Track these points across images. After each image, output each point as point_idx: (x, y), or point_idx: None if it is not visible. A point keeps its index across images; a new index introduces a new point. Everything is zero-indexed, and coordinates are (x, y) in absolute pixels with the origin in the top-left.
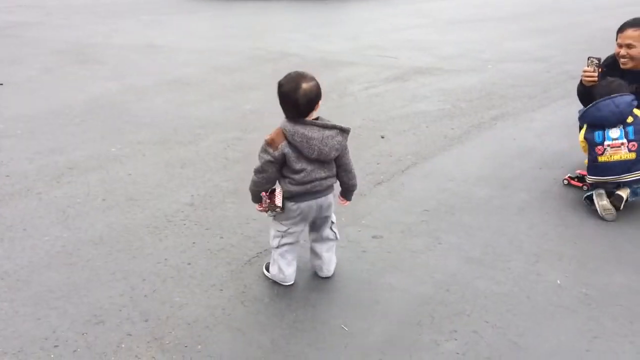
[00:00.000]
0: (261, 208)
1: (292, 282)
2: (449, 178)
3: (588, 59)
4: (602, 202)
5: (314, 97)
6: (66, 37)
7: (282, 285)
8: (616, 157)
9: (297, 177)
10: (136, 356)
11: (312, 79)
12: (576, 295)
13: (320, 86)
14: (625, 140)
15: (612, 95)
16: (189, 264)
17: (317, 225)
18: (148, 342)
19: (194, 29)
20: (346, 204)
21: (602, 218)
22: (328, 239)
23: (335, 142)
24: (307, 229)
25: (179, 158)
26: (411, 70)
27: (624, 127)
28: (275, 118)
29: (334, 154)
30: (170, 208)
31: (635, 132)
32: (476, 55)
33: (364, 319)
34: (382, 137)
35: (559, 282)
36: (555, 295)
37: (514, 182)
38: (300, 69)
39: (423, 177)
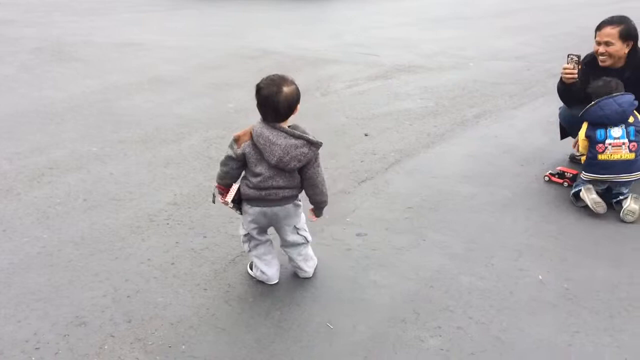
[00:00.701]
0: (222, 201)
1: (276, 281)
2: (432, 175)
3: (568, 56)
4: (592, 196)
5: (294, 102)
6: (45, 35)
7: (266, 284)
8: (616, 156)
9: (254, 180)
10: (119, 357)
11: (292, 82)
12: (558, 290)
13: (299, 89)
14: (626, 140)
15: (613, 95)
16: (173, 263)
17: (280, 231)
18: (131, 343)
19: (175, 27)
20: (315, 220)
21: (593, 211)
22: (296, 244)
23: (298, 153)
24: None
25: (161, 157)
26: (394, 68)
27: (625, 127)
28: (258, 116)
29: (294, 164)
30: (153, 207)
31: (637, 133)
32: (458, 53)
33: (349, 317)
34: (366, 135)
35: (541, 277)
36: (538, 291)
37: (496, 179)
38: (283, 67)
39: (407, 174)
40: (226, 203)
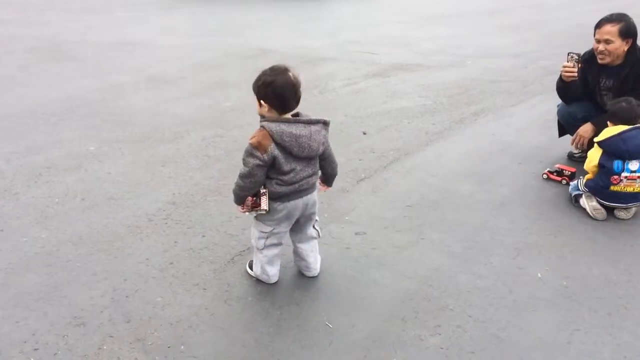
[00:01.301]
0: (243, 210)
1: (275, 281)
2: (430, 174)
3: (568, 55)
4: (591, 203)
5: (300, 89)
6: (41, 34)
7: (265, 283)
8: (629, 189)
9: (285, 177)
10: (118, 358)
11: (291, 69)
12: (556, 288)
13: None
14: None
15: (638, 125)
16: (171, 263)
17: (300, 224)
18: (130, 343)
19: (171, 26)
20: (327, 189)
21: (592, 218)
22: (312, 238)
23: (321, 137)
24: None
25: (159, 156)
26: (392, 66)
27: None
28: (256, 115)
29: (321, 148)
30: (152, 207)
31: None
32: (455, 51)
33: (348, 316)
34: (364, 134)
35: (539, 275)
36: (536, 289)
37: (495, 177)
38: (273, 65)
39: (405, 173)
40: (258, 211)
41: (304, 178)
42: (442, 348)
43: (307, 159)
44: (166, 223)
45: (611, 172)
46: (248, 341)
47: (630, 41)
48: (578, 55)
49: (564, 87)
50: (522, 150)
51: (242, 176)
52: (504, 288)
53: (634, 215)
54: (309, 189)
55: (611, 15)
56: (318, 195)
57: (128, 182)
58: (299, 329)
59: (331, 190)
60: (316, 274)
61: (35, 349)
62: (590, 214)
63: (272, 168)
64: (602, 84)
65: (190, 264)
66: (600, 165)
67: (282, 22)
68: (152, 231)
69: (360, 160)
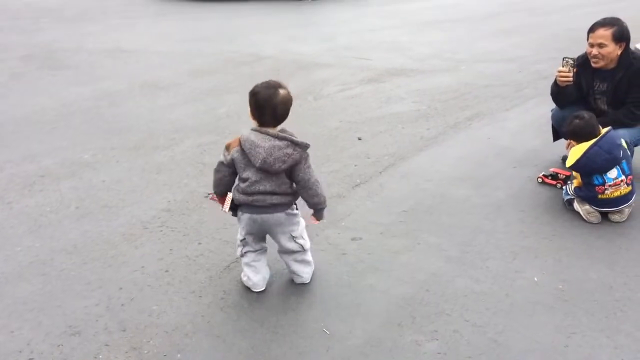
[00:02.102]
0: (222, 209)
1: (262, 289)
2: (426, 178)
3: (563, 59)
4: (585, 207)
5: (290, 105)
6: (35, 42)
7: (261, 290)
8: (616, 194)
9: (242, 185)
10: None
11: (286, 87)
12: (553, 291)
13: (291, 93)
14: (623, 177)
15: (597, 141)
16: (167, 271)
17: (275, 238)
18: (126, 352)
19: (165, 32)
20: (316, 223)
21: (586, 221)
22: (292, 251)
23: (282, 154)
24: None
25: (154, 163)
26: (386, 71)
27: (619, 165)
28: (250, 121)
29: (278, 165)
30: (147, 214)
31: (627, 163)
32: (449, 56)
33: (345, 322)
34: (359, 139)
35: (536, 279)
36: (533, 292)
37: (490, 181)
38: (275, 71)
39: (400, 177)
40: (224, 210)
41: (259, 193)
42: (439, 353)
43: (264, 172)
44: (161, 231)
45: (593, 184)
46: (245, 348)
47: (624, 45)
48: (573, 59)
49: (558, 92)
50: (517, 154)
51: (213, 171)
52: (501, 292)
53: (628, 218)
54: (267, 207)
55: (604, 19)
56: (291, 220)
57: (123, 189)
58: (295, 336)
59: (327, 196)
60: (306, 282)
61: (30, 359)
62: (585, 217)
63: (237, 173)
64: (596, 88)
65: (185, 272)
66: (583, 182)
67: (277, 27)
68: (147, 239)
69: (355, 165)
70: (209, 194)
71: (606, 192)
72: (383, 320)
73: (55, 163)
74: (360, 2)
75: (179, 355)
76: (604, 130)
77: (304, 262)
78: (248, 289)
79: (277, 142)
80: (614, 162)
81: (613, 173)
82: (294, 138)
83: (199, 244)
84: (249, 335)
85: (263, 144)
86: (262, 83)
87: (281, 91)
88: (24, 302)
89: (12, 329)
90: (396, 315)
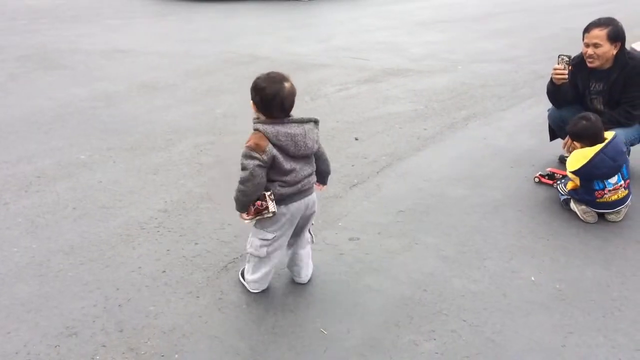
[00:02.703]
0: (248, 217)
1: (265, 287)
2: (423, 178)
3: (558, 57)
4: (581, 207)
5: (295, 96)
6: (31, 43)
7: (259, 290)
8: (614, 197)
9: (287, 178)
10: None
11: (289, 78)
12: (550, 291)
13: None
14: (622, 182)
15: (603, 147)
16: (164, 271)
17: (298, 227)
18: (123, 352)
19: (162, 33)
20: (324, 188)
21: (583, 221)
22: (307, 243)
23: (314, 134)
24: None
25: (151, 164)
26: (383, 71)
27: (620, 170)
28: (248, 121)
29: (315, 146)
30: (144, 215)
31: (627, 167)
32: (446, 56)
33: (342, 322)
34: (356, 139)
35: (533, 278)
36: (530, 292)
37: (487, 181)
38: (271, 72)
39: (398, 178)
40: (265, 214)
41: (305, 177)
42: (437, 353)
43: (304, 158)
44: (158, 231)
45: (593, 189)
46: (242, 349)
47: (619, 45)
48: (569, 57)
49: (554, 90)
50: (513, 154)
51: (243, 181)
52: (498, 292)
53: (625, 218)
54: (310, 188)
55: (599, 19)
56: (317, 195)
57: (119, 190)
58: (293, 336)
59: (324, 196)
60: (307, 281)
61: None
62: (581, 217)
63: (272, 170)
64: (591, 88)
65: (183, 272)
66: (582, 186)
67: (273, 28)
68: (144, 239)
69: (352, 165)
70: (248, 216)
71: (605, 196)
72: (381, 320)
73: (52, 164)
74: (357, 3)
75: (176, 356)
76: (609, 136)
77: (310, 259)
78: (245, 289)
79: (306, 126)
80: (617, 169)
81: (614, 178)
82: (314, 118)
83: (196, 244)
84: (247, 335)
85: (298, 131)
86: (265, 77)
87: (286, 84)
88: (21, 303)
89: (9, 330)
90: (394, 315)
